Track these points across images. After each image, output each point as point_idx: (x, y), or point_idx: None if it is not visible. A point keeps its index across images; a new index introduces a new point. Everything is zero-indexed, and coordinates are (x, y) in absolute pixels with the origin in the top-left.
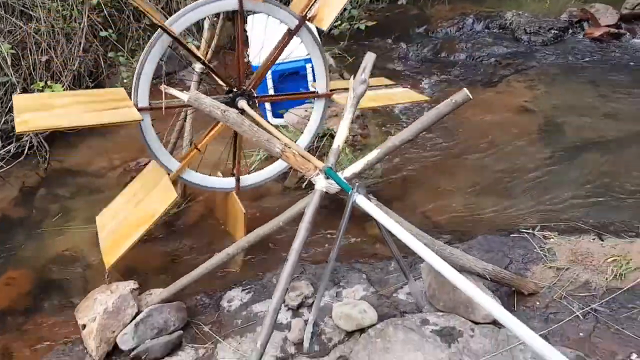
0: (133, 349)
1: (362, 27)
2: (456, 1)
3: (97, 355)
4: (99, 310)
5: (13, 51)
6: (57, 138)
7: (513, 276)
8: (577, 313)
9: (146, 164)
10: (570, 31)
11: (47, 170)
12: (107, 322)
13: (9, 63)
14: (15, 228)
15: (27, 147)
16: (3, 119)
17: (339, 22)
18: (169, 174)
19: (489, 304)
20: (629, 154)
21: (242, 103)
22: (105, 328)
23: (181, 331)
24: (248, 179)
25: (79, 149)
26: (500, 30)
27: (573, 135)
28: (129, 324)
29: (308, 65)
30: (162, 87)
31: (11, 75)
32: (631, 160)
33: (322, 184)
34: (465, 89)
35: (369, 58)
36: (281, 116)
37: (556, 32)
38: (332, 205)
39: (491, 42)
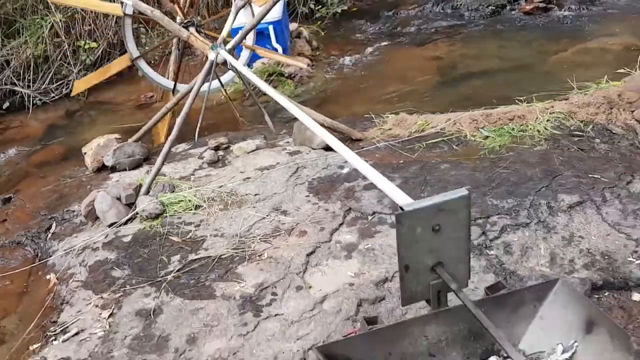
0: (113, 165)
1: (339, 10)
2: None
3: (91, 168)
4: (94, 144)
5: (64, 19)
6: (96, 84)
7: (344, 126)
8: (378, 145)
9: (151, 97)
10: (508, 7)
11: (85, 102)
12: (98, 150)
13: (62, 30)
14: (59, 129)
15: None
16: (54, 69)
17: (321, 6)
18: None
19: (319, 131)
20: (498, 79)
21: (191, 29)
22: (97, 154)
23: (142, 158)
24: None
25: (110, 90)
26: (452, 10)
27: (463, 70)
28: None
29: (270, 27)
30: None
31: (64, 38)
32: (496, 83)
33: (212, 55)
34: None
35: None
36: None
37: (494, 8)
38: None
39: (439, 19)
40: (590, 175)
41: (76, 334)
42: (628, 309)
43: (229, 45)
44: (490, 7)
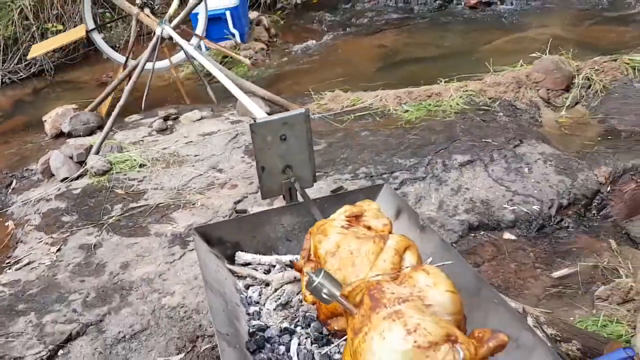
0: (69, 132)
1: (299, 1)
2: None
3: (49, 134)
4: (53, 113)
5: (33, 3)
6: (63, 65)
7: (283, 100)
8: (313, 117)
9: (111, 77)
10: (455, 1)
11: (52, 80)
12: (57, 118)
13: (31, 13)
14: (25, 104)
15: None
16: (23, 50)
17: None
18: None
19: (252, 107)
20: (432, 64)
21: (147, 10)
22: (55, 121)
23: (96, 125)
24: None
25: (76, 70)
26: (403, 4)
27: (403, 57)
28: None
29: (227, 12)
30: None
31: (33, 21)
32: (429, 67)
33: (158, 31)
34: None
35: None
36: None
37: (441, 2)
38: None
39: (391, 11)
40: (483, 140)
41: (27, 264)
42: (498, 245)
43: (174, 22)
44: (437, 1)
